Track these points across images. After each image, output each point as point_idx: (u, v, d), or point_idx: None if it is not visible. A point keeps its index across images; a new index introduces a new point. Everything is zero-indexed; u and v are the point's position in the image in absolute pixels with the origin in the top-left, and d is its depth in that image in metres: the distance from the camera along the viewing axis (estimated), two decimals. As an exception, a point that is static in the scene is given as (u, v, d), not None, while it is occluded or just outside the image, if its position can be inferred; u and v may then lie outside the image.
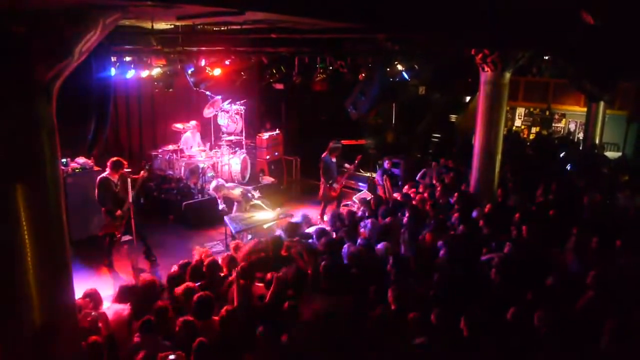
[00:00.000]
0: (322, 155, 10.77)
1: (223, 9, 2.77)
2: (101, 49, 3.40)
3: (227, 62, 9.64)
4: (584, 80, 6.31)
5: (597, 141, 13.62)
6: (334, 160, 10.81)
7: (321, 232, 6.97)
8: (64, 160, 9.00)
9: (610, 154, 13.32)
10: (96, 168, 9.37)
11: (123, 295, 4.97)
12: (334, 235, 7.04)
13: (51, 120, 3.17)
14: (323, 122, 15.61)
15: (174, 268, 5.76)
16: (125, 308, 4.63)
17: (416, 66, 9.77)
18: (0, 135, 2.96)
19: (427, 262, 5.98)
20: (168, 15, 3.63)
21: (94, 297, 4.88)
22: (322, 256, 5.88)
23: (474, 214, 7.65)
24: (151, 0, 2.39)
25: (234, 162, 12.30)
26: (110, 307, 4.76)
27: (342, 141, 11.67)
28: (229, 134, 12.86)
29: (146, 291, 5.03)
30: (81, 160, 9.52)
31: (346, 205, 11.16)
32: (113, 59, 8.37)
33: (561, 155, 12.48)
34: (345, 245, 6.29)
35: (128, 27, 5.52)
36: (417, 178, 10.95)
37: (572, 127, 15.99)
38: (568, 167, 10.19)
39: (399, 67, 9.66)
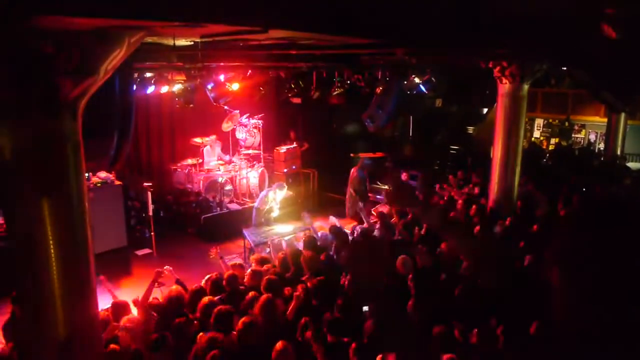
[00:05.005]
0: (354, 171, 10.74)
1: (247, 28, 2.81)
2: (125, 65, 3.48)
3: (245, 77, 9.75)
4: (605, 92, 6.24)
5: (618, 152, 13.43)
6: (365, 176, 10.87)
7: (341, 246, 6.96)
8: (86, 174, 9.15)
9: (632, 165, 13.11)
10: (117, 182, 9.50)
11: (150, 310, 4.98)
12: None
13: (77, 135, 3.25)
14: (340, 135, 15.66)
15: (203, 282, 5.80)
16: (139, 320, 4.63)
17: (433, 79, 9.77)
18: (28, 150, 3.04)
19: (447, 274, 5.94)
20: (192, 34, 3.70)
21: (122, 309, 4.89)
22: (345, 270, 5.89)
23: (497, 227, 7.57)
24: (178, 21, 2.44)
25: (251, 175, 12.38)
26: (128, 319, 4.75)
27: (360, 154, 11.71)
28: (247, 147, 12.97)
29: (173, 304, 5.02)
30: (103, 174, 9.67)
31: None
32: (135, 75, 8.54)
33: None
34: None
35: (150, 44, 5.62)
36: (436, 189, 10.89)
37: (592, 137, 15.79)
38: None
39: (416, 80, 9.67)
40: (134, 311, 5.00)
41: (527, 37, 4.98)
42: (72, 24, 2.56)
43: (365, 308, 5.23)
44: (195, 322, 4.76)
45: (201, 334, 4.52)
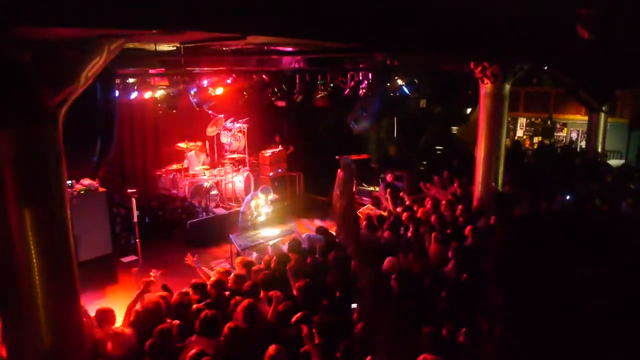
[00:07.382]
0: (340, 172, 10.74)
1: (226, 35, 2.83)
2: (106, 72, 3.48)
3: (229, 82, 9.74)
4: (582, 92, 6.36)
5: (599, 149, 13.64)
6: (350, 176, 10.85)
7: (328, 247, 6.99)
8: (69, 182, 9.05)
9: (613, 162, 13.33)
10: (101, 189, 9.41)
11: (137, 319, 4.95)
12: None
13: (58, 143, 3.24)
14: (325, 137, 15.69)
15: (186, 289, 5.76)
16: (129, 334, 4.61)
17: (416, 80, 9.84)
18: (9, 159, 3.03)
19: (433, 275, 6.00)
20: (172, 40, 3.71)
21: (105, 316, 4.86)
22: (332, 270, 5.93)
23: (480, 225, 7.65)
24: (156, 29, 2.46)
25: (237, 179, 12.36)
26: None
27: (345, 156, 11.72)
28: (232, 152, 12.95)
29: (151, 313, 5.00)
30: (86, 181, 9.58)
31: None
32: (117, 80, 8.48)
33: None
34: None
35: (132, 49, 5.61)
36: (421, 187, 10.98)
37: (574, 136, 16.01)
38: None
39: (399, 81, 9.74)
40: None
41: (506, 39, 5.06)
42: (51, 34, 2.56)
43: (354, 305, 5.28)
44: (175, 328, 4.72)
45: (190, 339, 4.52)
